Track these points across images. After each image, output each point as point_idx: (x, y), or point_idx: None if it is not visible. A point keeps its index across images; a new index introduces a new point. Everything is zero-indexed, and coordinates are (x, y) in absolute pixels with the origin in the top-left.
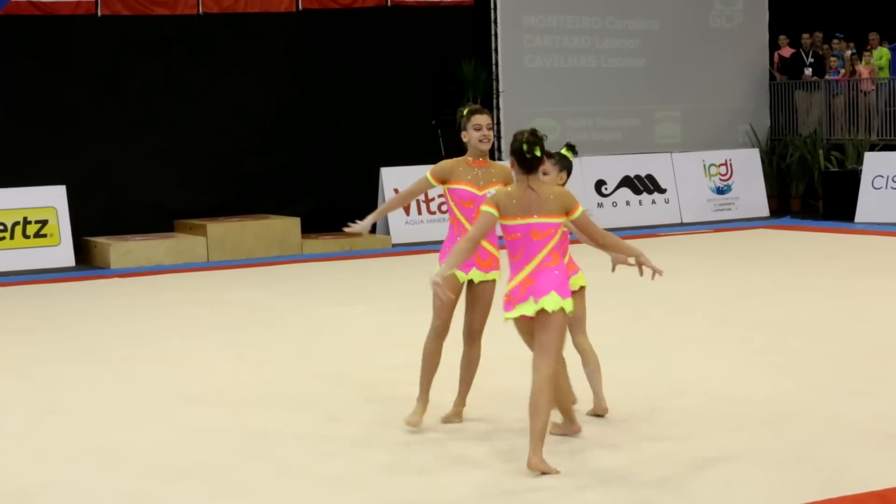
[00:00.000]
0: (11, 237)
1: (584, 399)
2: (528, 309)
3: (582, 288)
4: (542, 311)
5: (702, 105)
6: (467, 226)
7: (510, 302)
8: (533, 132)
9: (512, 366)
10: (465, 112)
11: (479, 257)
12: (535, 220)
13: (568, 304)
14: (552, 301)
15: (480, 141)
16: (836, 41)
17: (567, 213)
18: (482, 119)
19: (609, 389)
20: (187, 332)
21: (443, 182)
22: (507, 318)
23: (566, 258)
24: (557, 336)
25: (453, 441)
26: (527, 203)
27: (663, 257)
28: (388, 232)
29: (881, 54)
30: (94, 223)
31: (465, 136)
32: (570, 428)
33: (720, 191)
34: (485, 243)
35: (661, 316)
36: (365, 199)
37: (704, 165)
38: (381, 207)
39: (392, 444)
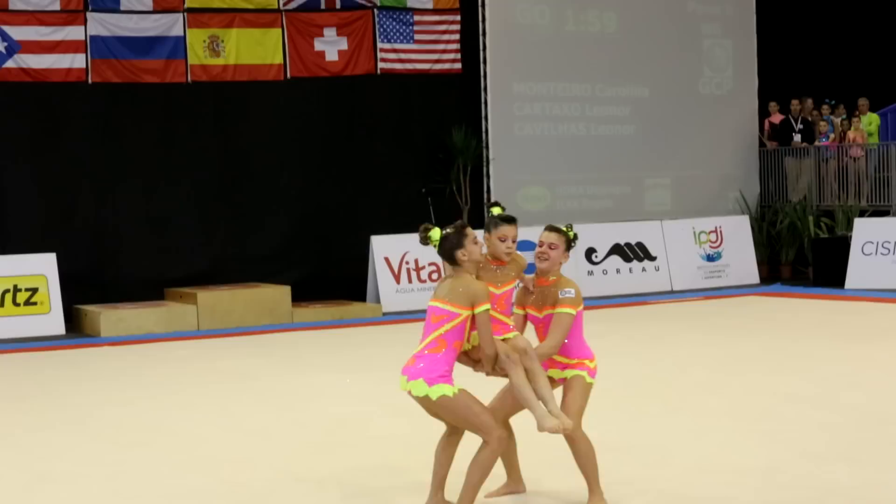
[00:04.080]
0: (1, 305)
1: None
2: (402, 384)
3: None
4: (416, 398)
5: (692, 172)
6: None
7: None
8: (424, 227)
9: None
10: (492, 216)
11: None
12: (435, 303)
13: (435, 392)
14: (419, 387)
15: (507, 252)
16: (825, 107)
17: (472, 306)
18: (510, 231)
19: (599, 457)
20: (178, 401)
21: None
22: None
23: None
24: (451, 417)
25: None
26: (441, 287)
27: (654, 325)
28: (378, 300)
29: (871, 120)
30: (84, 291)
31: (487, 241)
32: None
33: (710, 258)
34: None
35: (652, 384)
36: (355, 267)
37: (695, 233)
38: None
39: None
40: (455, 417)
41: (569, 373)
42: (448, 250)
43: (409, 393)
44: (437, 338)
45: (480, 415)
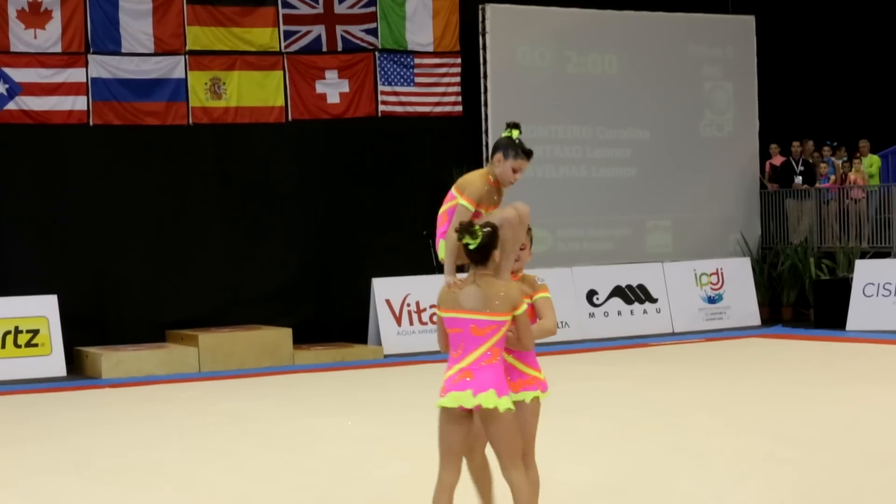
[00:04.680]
0: (3, 346)
1: None
2: (460, 400)
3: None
4: (485, 409)
5: (693, 214)
6: None
7: (443, 390)
8: (467, 224)
9: None
10: (512, 139)
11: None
12: (472, 315)
13: (503, 403)
14: (489, 398)
15: (510, 183)
16: (826, 149)
17: (514, 309)
18: (524, 166)
19: (602, 501)
20: (179, 443)
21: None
22: (440, 406)
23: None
24: (499, 432)
25: None
26: (465, 297)
27: (655, 367)
28: (379, 343)
29: (871, 162)
30: (85, 333)
31: (498, 162)
32: None
33: (711, 300)
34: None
35: (653, 426)
36: (356, 309)
37: (696, 275)
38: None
39: None
40: (502, 433)
41: (524, 394)
42: (488, 248)
43: (457, 409)
44: (490, 348)
45: (518, 439)
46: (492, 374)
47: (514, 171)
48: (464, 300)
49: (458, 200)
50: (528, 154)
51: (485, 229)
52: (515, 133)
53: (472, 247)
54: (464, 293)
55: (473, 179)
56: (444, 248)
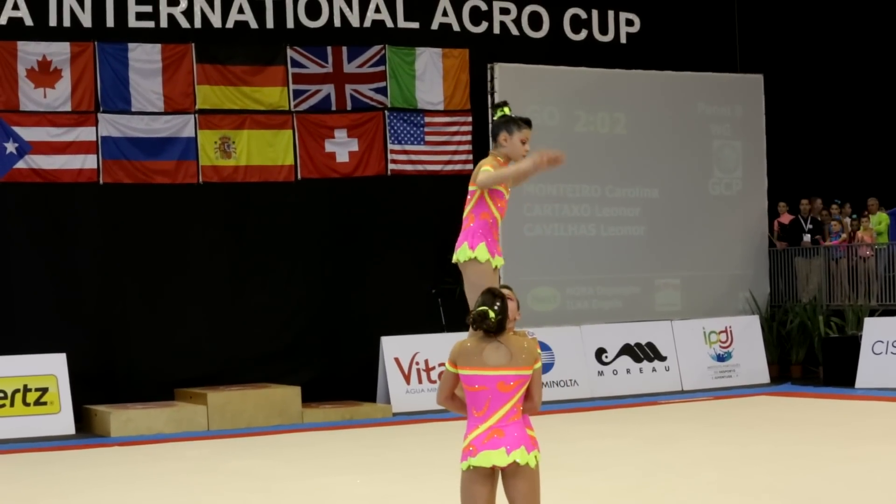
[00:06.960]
0: (11, 405)
1: None
2: (494, 459)
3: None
4: (514, 465)
5: (702, 272)
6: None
7: (472, 450)
8: (479, 315)
9: None
10: (509, 115)
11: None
12: (499, 371)
13: (532, 459)
14: (522, 455)
15: (523, 156)
16: (834, 207)
17: (534, 363)
18: (529, 134)
19: None
20: (187, 502)
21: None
22: (469, 466)
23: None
24: (527, 487)
25: None
26: (490, 354)
27: (664, 425)
28: (388, 401)
29: (880, 219)
30: (94, 391)
31: (504, 141)
32: None
33: (720, 358)
34: None
35: (663, 485)
36: (365, 368)
37: (705, 333)
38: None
39: None
40: (530, 490)
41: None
42: (504, 321)
43: (486, 468)
44: (515, 404)
45: (540, 496)
46: (520, 431)
47: (523, 142)
48: (488, 357)
49: (480, 169)
50: (528, 123)
51: (495, 307)
52: (507, 110)
53: (489, 329)
54: (487, 351)
55: (483, 163)
56: (465, 250)
